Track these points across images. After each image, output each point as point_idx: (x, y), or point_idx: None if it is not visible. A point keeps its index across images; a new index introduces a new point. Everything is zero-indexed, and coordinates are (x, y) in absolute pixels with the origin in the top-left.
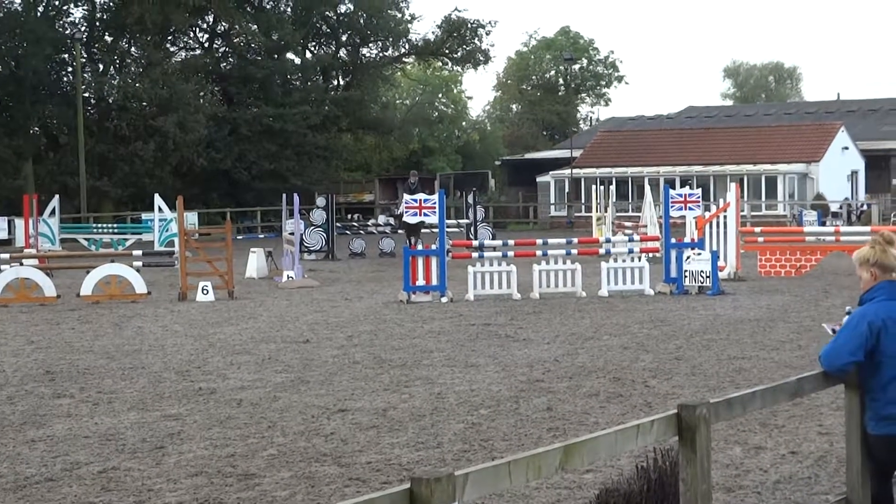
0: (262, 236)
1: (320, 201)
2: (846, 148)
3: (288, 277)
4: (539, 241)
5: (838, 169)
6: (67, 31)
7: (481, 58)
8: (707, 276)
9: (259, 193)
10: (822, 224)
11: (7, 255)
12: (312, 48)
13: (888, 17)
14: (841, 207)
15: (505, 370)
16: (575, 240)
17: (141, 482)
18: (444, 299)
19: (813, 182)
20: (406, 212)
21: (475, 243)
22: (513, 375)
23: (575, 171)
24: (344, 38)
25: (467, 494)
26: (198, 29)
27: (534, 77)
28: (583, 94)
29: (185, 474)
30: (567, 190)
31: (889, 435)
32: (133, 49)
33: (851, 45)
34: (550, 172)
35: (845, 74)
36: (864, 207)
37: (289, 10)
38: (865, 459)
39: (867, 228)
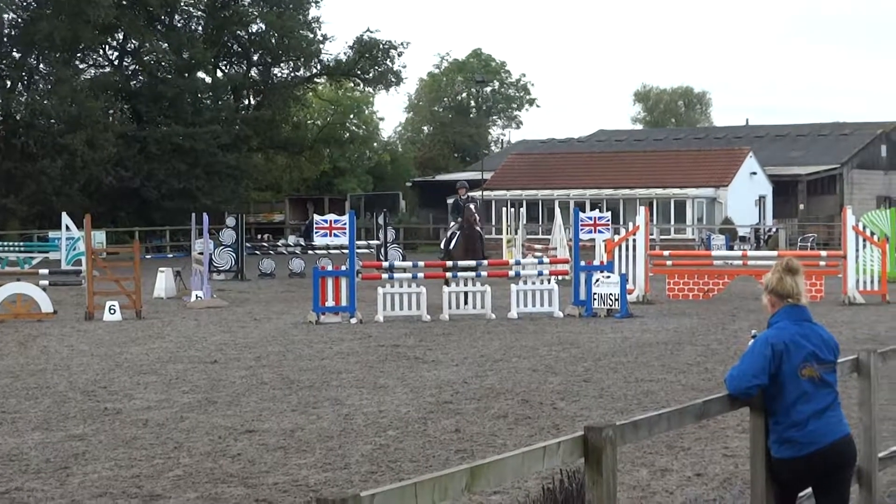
0: (171, 256)
1: (230, 221)
2: (754, 173)
3: (196, 297)
4: (449, 263)
5: (746, 194)
6: None
7: (393, 79)
8: (616, 299)
9: (168, 212)
10: (730, 248)
11: None
12: (223, 67)
13: (796, 46)
14: (749, 232)
15: (413, 392)
16: (485, 262)
17: (45, 503)
18: (353, 320)
19: (721, 206)
20: (317, 233)
21: (385, 264)
22: (421, 397)
23: (486, 193)
24: (255, 57)
25: None
26: (107, 46)
27: (445, 99)
28: (494, 117)
29: (90, 495)
30: None
31: (791, 457)
32: (41, 66)
33: (760, 72)
34: None
35: (754, 100)
36: (772, 232)
37: (200, 28)
38: (769, 482)
39: (774, 253)
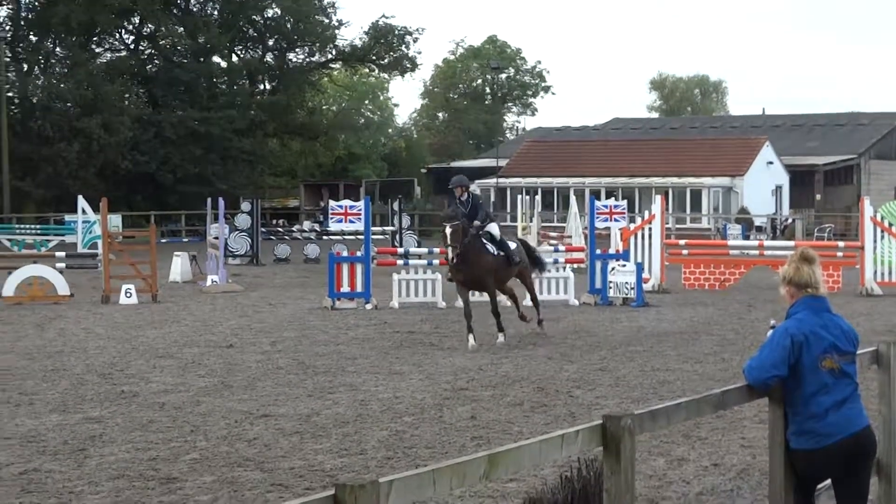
0: (186, 240)
1: (245, 206)
2: (771, 163)
3: (212, 282)
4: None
5: (763, 183)
6: None
7: (408, 65)
8: (631, 288)
9: (183, 197)
10: (746, 238)
11: None
12: (239, 52)
13: (814, 36)
14: (765, 222)
15: (429, 378)
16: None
17: (62, 484)
18: (368, 306)
19: (737, 196)
20: (332, 218)
21: (400, 251)
22: (437, 383)
23: (501, 180)
24: (271, 42)
25: (391, 501)
26: (123, 30)
27: (461, 85)
28: (509, 104)
29: (107, 477)
30: (493, 199)
31: (810, 449)
32: (58, 49)
33: (777, 62)
34: (476, 181)
35: (770, 90)
36: (788, 222)
37: (215, 13)
38: (788, 473)
39: (791, 243)
